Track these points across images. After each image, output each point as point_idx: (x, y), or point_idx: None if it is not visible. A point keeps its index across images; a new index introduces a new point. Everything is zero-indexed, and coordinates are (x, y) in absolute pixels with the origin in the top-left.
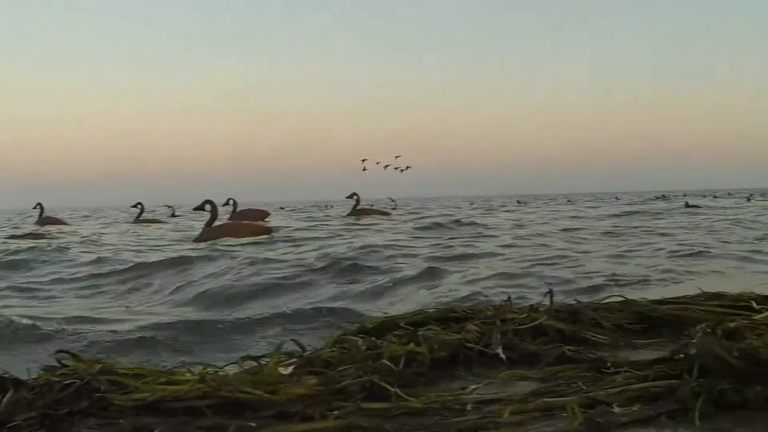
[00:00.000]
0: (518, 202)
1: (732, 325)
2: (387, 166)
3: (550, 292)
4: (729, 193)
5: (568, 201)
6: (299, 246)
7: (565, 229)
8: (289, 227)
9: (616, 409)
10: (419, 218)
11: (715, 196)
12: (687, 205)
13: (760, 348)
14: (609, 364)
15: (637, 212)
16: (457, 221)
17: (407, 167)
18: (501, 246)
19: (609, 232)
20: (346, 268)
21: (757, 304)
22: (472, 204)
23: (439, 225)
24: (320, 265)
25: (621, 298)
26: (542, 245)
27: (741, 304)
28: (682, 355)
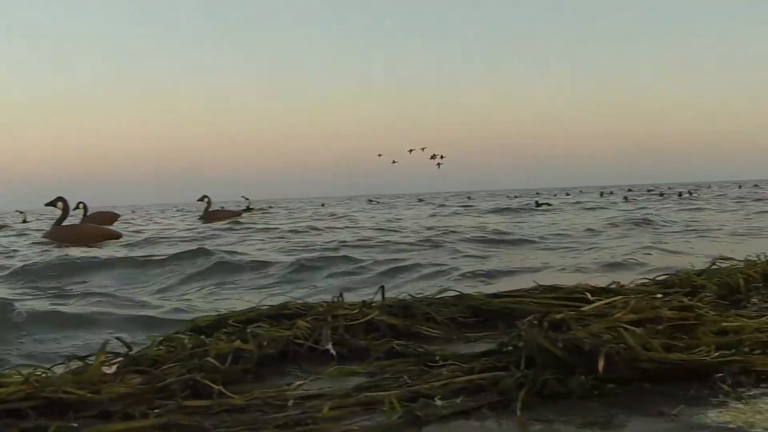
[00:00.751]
0: (369, 201)
1: (559, 316)
2: (432, 156)
3: (382, 288)
4: (581, 191)
5: (420, 200)
6: (154, 247)
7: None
8: (143, 231)
9: (438, 402)
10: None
11: (567, 194)
12: (537, 204)
13: (584, 338)
14: (437, 358)
15: (511, 209)
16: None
17: (442, 156)
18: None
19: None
20: (213, 267)
21: (592, 295)
22: (323, 205)
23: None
24: (187, 264)
25: (456, 293)
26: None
27: (576, 296)
28: (510, 347)
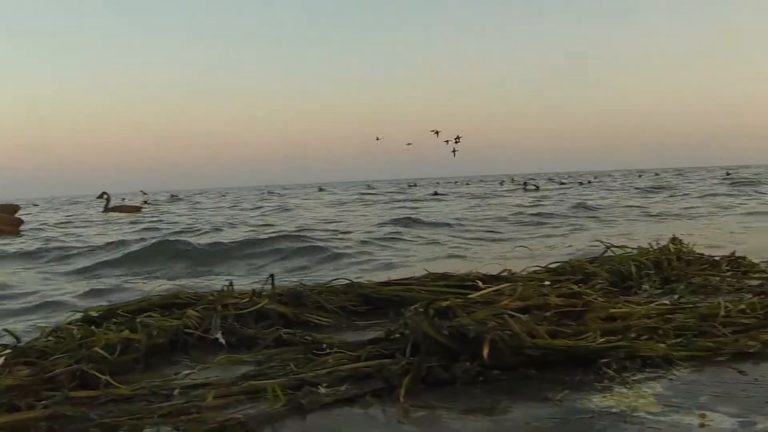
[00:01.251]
0: (270, 193)
1: (445, 303)
2: (449, 141)
3: (271, 276)
4: (482, 180)
5: (320, 189)
6: (63, 239)
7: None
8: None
9: (322, 390)
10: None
11: (467, 184)
12: (436, 194)
13: (469, 325)
14: (324, 346)
15: (416, 198)
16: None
17: (456, 141)
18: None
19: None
20: (124, 257)
21: (483, 283)
22: (224, 196)
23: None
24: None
25: (346, 281)
26: None
27: (467, 283)
28: (398, 335)
